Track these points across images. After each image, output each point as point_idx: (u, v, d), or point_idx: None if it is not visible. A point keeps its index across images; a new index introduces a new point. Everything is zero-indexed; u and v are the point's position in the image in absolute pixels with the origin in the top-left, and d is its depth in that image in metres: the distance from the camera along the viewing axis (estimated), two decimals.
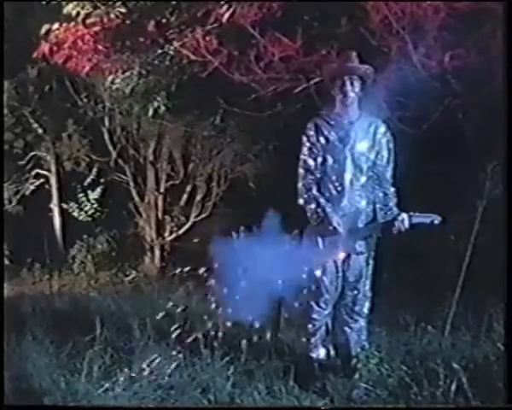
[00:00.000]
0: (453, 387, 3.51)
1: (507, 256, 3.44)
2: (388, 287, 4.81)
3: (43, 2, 5.32)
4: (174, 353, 4.14)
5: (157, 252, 8.41)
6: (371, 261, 4.02)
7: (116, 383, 3.79)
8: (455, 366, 3.64)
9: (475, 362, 3.84)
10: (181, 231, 8.39)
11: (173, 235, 8.42)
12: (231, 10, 4.61)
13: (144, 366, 3.94)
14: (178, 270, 5.13)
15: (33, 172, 8.83)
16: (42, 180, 8.95)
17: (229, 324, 4.08)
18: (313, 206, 3.89)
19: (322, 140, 3.93)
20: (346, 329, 4.07)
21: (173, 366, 3.97)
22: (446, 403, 3.47)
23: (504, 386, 3.37)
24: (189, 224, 8.34)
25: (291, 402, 3.69)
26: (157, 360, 3.98)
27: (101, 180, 8.81)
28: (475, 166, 4.55)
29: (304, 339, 4.08)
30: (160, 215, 8.45)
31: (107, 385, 3.77)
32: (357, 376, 3.86)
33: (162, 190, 8.45)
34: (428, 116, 4.72)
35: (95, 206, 8.79)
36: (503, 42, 3.70)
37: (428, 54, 4.43)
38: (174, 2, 5.07)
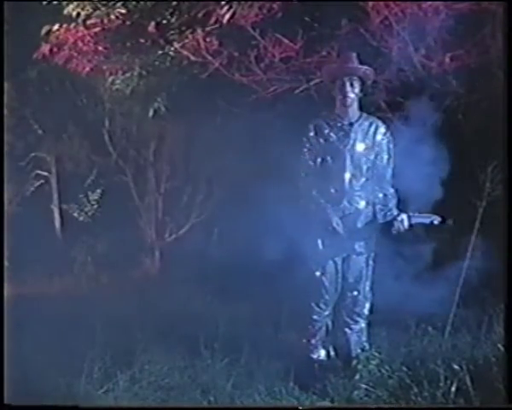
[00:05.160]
0: (453, 388, 3.50)
1: (507, 257, 3.44)
2: (388, 288, 4.80)
3: (44, 3, 5.33)
4: (174, 353, 4.15)
5: (157, 253, 8.41)
6: (371, 262, 4.02)
7: (116, 383, 3.79)
8: (455, 366, 3.64)
9: (475, 363, 3.83)
10: (181, 232, 8.39)
11: (173, 236, 8.42)
12: (232, 11, 4.63)
13: (145, 366, 3.94)
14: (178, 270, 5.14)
15: (34, 173, 8.84)
16: (42, 181, 8.96)
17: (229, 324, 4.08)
18: (313, 206, 3.89)
19: (321, 141, 3.92)
20: (347, 330, 4.06)
21: (173, 366, 3.97)
22: (447, 404, 3.47)
23: (504, 387, 3.37)
24: (189, 225, 8.34)
25: (291, 403, 3.69)
26: (157, 361, 3.98)
27: (102, 181, 8.81)
28: (475, 167, 4.55)
29: (304, 340, 4.08)
30: (160, 216, 8.45)
31: (107, 386, 3.76)
32: (357, 377, 3.85)
33: (162, 190, 8.45)
34: (429, 117, 4.72)
35: (95, 207, 8.80)
36: (503, 42, 3.70)
37: (429, 55, 4.43)
38: (174, 3, 5.09)
